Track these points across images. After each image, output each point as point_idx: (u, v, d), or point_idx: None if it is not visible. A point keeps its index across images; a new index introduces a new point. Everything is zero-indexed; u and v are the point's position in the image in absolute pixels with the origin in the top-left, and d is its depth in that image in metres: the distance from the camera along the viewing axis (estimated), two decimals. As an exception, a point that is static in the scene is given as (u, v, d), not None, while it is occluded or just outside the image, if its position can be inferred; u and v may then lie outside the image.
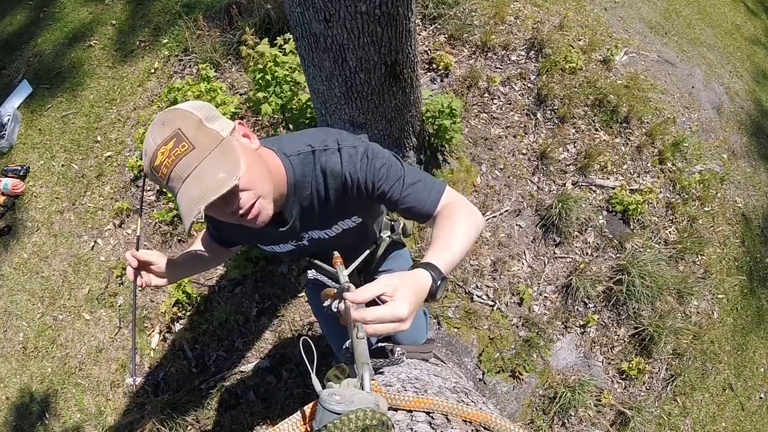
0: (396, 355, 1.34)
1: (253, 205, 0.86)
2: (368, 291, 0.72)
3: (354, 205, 1.05)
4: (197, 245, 1.26)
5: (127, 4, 3.69)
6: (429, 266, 0.84)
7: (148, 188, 2.90)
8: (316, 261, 1.26)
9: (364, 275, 1.52)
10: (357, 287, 0.78)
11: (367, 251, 1.29)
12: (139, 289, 1.12)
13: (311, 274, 1.20)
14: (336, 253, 1.16)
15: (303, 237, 1.13)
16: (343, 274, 1.05)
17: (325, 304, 0.96)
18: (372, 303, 0.75)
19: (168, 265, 1.08)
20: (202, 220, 1.09)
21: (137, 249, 1.05)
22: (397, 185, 0.98)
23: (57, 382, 2.64)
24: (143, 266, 1.05)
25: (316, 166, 0.99)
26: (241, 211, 0.85)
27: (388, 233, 1.51)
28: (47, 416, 2.58)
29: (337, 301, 0.91)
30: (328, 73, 1.76)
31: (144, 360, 2.57)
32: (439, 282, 0.83)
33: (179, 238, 2.73)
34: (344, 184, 0.98)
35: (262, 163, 0.90)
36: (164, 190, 2.25)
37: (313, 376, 0.74)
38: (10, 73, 3.63)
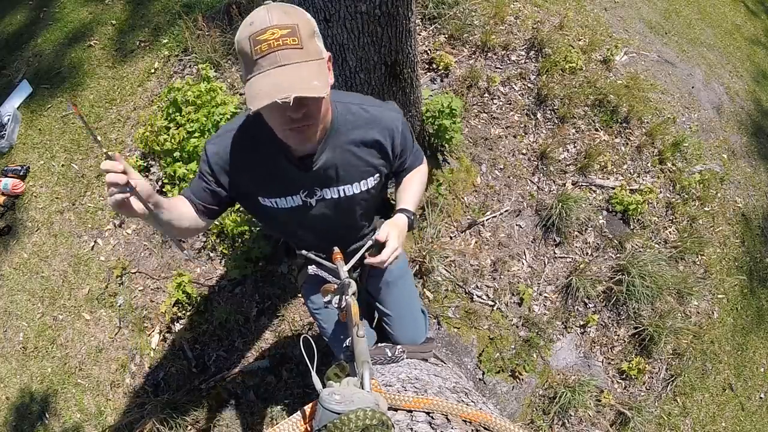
0: (397, 353, 1.34)
1: (308, 125, 0.94)
2: (386, 254, 1.16)
3: (385, 165, 1.20)
4: (176, 200, 1.14)
5: (127, 4, 3.69)
6: (404, 210, 1.28)
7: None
8: (315, 256, 1.27)
9: (359, 272, 1.52)
10: (356, 284, 0.90)
11: (366, 246, 1.28)
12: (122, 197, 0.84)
13: (311, 269, 1.20)
14: (336, 249, 1.18)
15: (315, 192, 1.16)
16: (344, 269, 1.05)
17: (325, 300, 0.96)
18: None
19: (149, 189, 0.90)
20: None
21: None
22: (410, 156, 1.28)
23: (57, 382, 2.64)
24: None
25: (358, 119, 1.11)
26: (300, 123, 0.91)
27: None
28: (47, 416, 2.58)
29: (337, 297, 0.91)
30: (328, 73, 1.76)
31: (144, 360, 2.57)
32: (411, 218, 1.28)
33: (179, 238, 2.73)
34: (380, 142, 1.13)
35: (328, 98, 1.01)
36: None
37: (314, 374, 0.74)
38: (10, 73, 3.63)
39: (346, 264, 1.16)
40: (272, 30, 0.82)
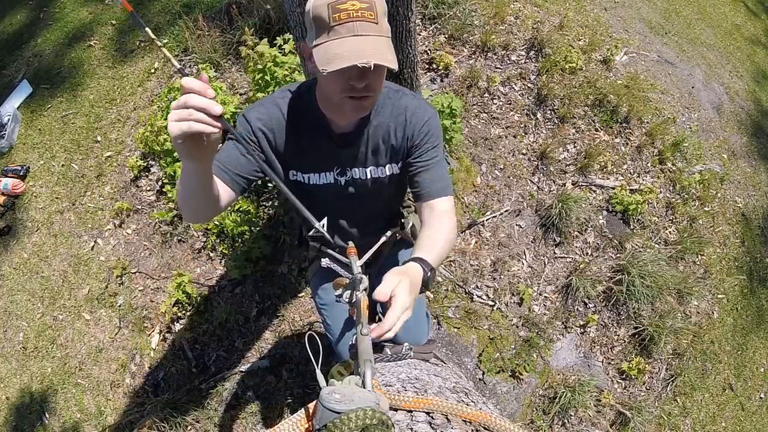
0: (403, 351, 1.34)
1: (366, 97, 0.97)
2: (391, 319, 0.84)
3: (404, 153, 1.18)
4: None
5: (127, 3, 3.68)
6: (420, 260, 0.99)
7: (148, 188, 2.90)
8: (329, 250, 1.27)
9: (372, 269, 1.52)
10: (369, 280, 0.91)
11: (379, 242, 1.29)
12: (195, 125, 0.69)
13: (325, 262, 1.21)
14: (351, 243, 1.19)
15: (346, 172, 1.19)
16: (357, 264, 1.06)
17: (336, 293, 0.97)
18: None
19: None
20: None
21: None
22: (431, 162, 1.16)
23: (57, 382, 2.64)
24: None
25: (396, 101, 1.14)
26: (360, 93, 0.94)
27: (398, 229, 1.51)
28: (47, 416, 2.58)
29: (348, 292, 0.92)
30: (328, 73, 1.76)
31: (144, 360, 2.57)
32: (429, 272, 0.98)
33: (179, 238, 2.73)
34: (412, 127, 1.13)
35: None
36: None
37: (318, 371, 0.74)
38: (10, 73, 3.63)
39: (359, 259, 1.17)
40: (353, 2, 0.86)
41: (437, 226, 1.11)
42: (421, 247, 1.04)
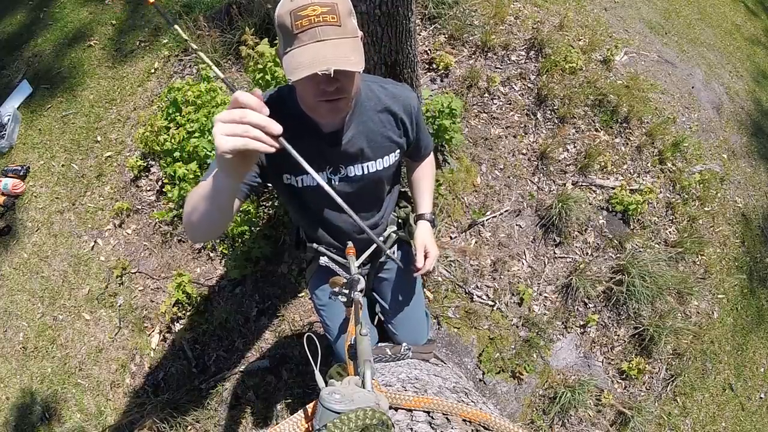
0: (402, 351, 1.35)
1: (340, 98, 0.98)
2: (429, 264, 1.40)
3: (400, 138, 1.24)
4: None
5: (127, 4, 3.69)
6: (424, 216, 1.46)
7: (148, 188, 2.90)
8: (326, 250, 1.28)
9: (369, 269, 1.52)
10: (366, 280, 0.87)
11: (376, 243, 1.29)
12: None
13: (323, 260, 1.22)
14: (350, 244, 1.21)
15: (339, 170, 1.20)
16: (354, 264, 1.06)
17: (332, 290, 0.97)
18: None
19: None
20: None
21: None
22: (423, 139, 1.35)
23: (57, 382, 2.64)
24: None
25: (381, 94, 1.17)
26: (332, 96, 0.95)
27: (395, 229, 1.51)
28: (47, 416, 2.58)
29: (345, 291, 0.92)
30: (328, 73, 1.76)
31: (144, 360, 2.57)
32: (433, 220, 1.46)
33: (179, 238, 2.73)
34: (400, 116, 1.19)
35: (359, 75, 1.02)
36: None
37: (317, 372, 0.74)
38: (10, 73, 3.63)
39: (357, 259, 1.17)
40: (313, 7, 0.86)
41: (422, 175, 1.47)
42: (418, 204, 1.49)
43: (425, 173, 1.47)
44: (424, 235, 1.41)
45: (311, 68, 0.85)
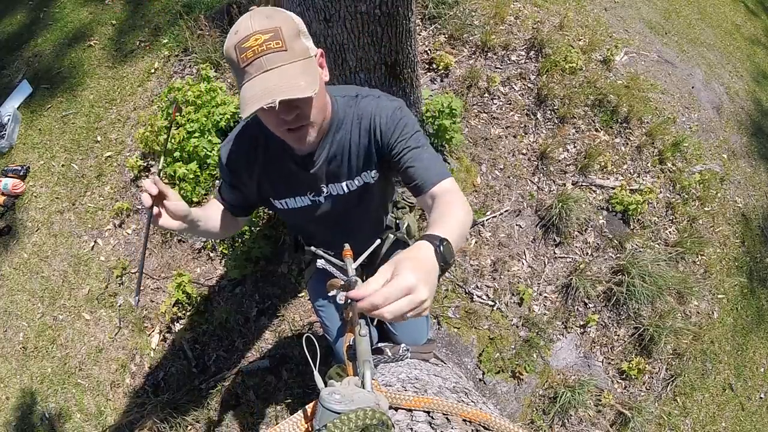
0: (401, 351, 1.34)
1: (304, 126, 0.94)
2: (371, 285, 0.65)
3: (377, 156, 1.12)
4: (210, 207, 1.21)
5: (127, 4, 3.69)
6: (425, 236, 0.78)
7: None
8: (324, 253, 1.28)
9: (367, 273, 1.52)
10: (362, 282, 0.83)
11: (375, 244, 1.29)
12: (151, 231, 1.05)
13: (320, 263, 1.21)
14: (347, 246, 1.19)
15: (322, 191, 1.17)
16: (352, 267, 1.06)
17: (330, 294, 0.97)
18: None
19: (183, 210, 0.98)
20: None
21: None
22: (415, 151, 1.06)
23: (57, 382, 2.64)
24: (160, 198, 0.93)
25: (355, 109, 1.09)
26: (294, 125, 0.92)
27: (393, 230, 1.51)
28: (47, 416, 2.58)
29: (343, 293, 0.92)
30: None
31: (144, 360, 2.57)
32: (440, 244, 0.76)
33: (179, 238, 2.73)
34: (374, 128, 1.07)
35: (324, 94, 0.99)
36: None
37: (316, 373, 0.74)
38: (10, 73, 3.63)
39: (354, 262, 1.17)
40: (255, 36, 0.83)
41: (443, 206, 0.97)
42: (427, 228, 0.86)
43: (448, 209, 0.95)
44: (407, 254, 0.72)
45: (258, 102, 0.82)
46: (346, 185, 1.16)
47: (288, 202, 1.18)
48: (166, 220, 0.96)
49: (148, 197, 0.91)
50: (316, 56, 0.94)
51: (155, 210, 0.92)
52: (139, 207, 2.88)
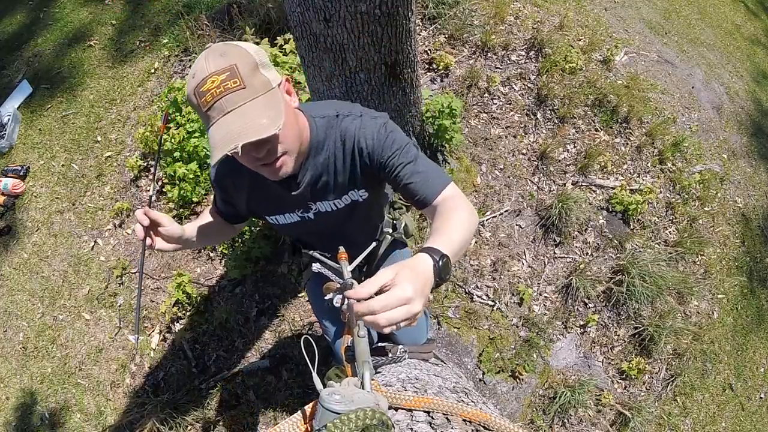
0: (398, 353, 1.34)
1: (278, 158, 0.92)
2: (368, 286, 0.69)
3: (364, 176, 1.09)
4: (205, 218, 1.24)
5: (127, 4, 3.69)
6: (427, 249, 0.80)
7: (148, 188, 2.90)
8: (320, 255, 1.27)
9: (365, 274, 1.52)
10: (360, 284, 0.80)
11: (371, 246, 1.29)
12: (147, 251, 1.09)
13: (315, 267, 1.21)
14: (341, 249, 1.19)
15: (310, 208, 1.16)
16: (347, 269, 1.06)
17: (327, 297, 0.97)
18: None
19: (177, 232, 1.03)
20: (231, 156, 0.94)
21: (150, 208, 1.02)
22: (409, 166, 1.02)
23: (57, 382, 2.64)
24: (153, 226, 0.99)
25: (337, 130, 1.05)
26: (267, 160, 0.90)
27: (390, 231, 1.51)
28: (47, 416, 2.58)
29: (339, 296, 0.92)
30: (328, 73, 1.76)
31: (144, 360, 2.57)
32: (439, 260, 0.78)
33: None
34: (359, 149, 1.04)
35: (296, 121, 0.96)
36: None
37: (314, 374, 0.74)
38: (10, 73, 3.63)
39: (350, 264, 1.16)
40: (212, 78, 0.81)
41: (447, 212, 0.96)
42: (430, 237, 0.87)
43: (443, 221, 0.94)
44: (409, 264, 0.75)
45: (222, 149, 0.80)
46: (334, 203, 1.16)
47: (278, 219, 1.20)
48: (161, 245, 1.02)
49: (141, 229, 0.96)
50: (280, 86, 0.90)
51: (148, 241, 0.98)
52: (139, 207, 2.87)
